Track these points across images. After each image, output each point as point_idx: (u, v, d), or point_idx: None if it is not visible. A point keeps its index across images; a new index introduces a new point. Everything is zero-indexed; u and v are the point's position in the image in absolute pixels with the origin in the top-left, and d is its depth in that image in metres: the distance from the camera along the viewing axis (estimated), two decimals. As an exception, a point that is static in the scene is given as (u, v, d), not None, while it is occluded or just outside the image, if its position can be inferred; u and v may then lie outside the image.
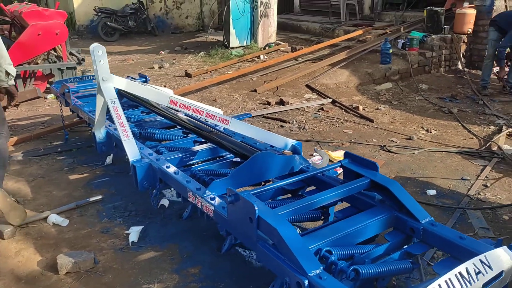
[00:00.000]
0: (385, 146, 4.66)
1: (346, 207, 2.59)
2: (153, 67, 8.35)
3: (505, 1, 7.79)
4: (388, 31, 8.72)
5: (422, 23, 8.39)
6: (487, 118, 5.72)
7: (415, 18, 9.19)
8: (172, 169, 2.78)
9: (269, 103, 6.10)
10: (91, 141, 4.65)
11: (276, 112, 5.77)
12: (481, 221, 3.23)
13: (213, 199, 2.40)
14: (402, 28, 8.63)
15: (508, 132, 5.05)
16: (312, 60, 8.01)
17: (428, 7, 8.19)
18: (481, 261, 1.75)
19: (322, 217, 2.61)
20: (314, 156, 4.23)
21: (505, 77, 6.83)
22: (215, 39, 10.46)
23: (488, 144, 4.70)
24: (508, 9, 7.70)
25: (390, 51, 7.37)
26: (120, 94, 3.70)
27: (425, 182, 3.87)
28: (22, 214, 3.15)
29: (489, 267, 1.75)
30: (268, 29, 9.40)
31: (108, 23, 11.73)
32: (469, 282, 1.68)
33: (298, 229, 2.80)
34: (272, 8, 9.29)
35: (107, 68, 3.00)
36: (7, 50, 3.08)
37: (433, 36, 7.81)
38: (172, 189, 3.52)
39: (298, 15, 12.32)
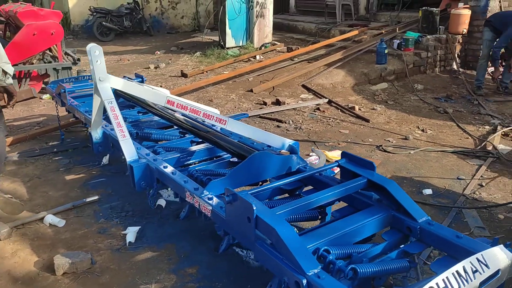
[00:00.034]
0: (381, 146, 4.68)
1: (344, 206, 2.60)
2: (149, 67, 8.33)
3: (500, 2, 7.84)
4: (383, 31, 8.75)
5: (417, 24, 8.43)
6: (482, 118, 5.76)
7: (410, 18, 9.24)
8: (169, 169, 2.78)
9: (265, 103, 6.10)
10: (87, 141, 4.64)
11: (273, 112, 5.78)
12: (476, 220, 3.25)
13: (211, 199, 2.41)
14: (397, 29, 8.66)
15: (503, 131, 5.09)
16: (308, 60, 8.02)
17: (423, 8, 8.23)
18: (478, 260, 1.77)
19: (320, 217, 2.62)
20: (311, 156, 4.24)
21: (500, 77, 6.88)
22: (211, 39, 10.45)
23: (483, 144, 4.73)
24: (503, 10, 7.75)
25: (386, 51, 7.40)
26: (116, 94, 3.69)
27: (421, 182, 3.89)
28: (19, 207, 3.16)
29: (486, 265, 1.76)
30: (264, 29, 9.41)
31: (103, 23, 11.68)
32: (466, 281, 1.69)
33: (296, 228, 2.80)
34: (268, 8, 9.30)
35: (104, 68, 3.00)
36: None
37: (428, 37, 7.85)
38: (169, 189, 3.51)
39: (293, 15, 12.34)
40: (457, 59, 8.02)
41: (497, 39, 6.60)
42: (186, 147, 3.35)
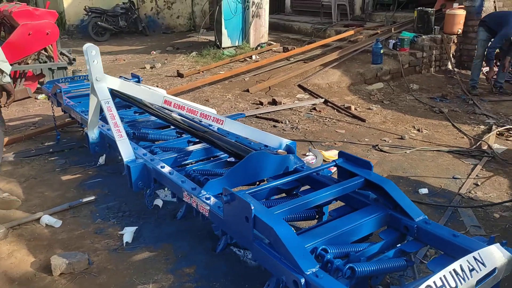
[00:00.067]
0: (377, 145, 4.70)
1: (341, 206, 2.61)
2: (145, 67, 8.31)
3: (494, 2, 7.89)
4: (379, 31, 8.78)
5: (412, 24, 8.46)
6: (477, 117, 5.79)
7: (405, 18, 9.27)
8: (166, 169, 2.78)
9: (261, 103, 6.11)
10: (83, 142, 4.64)
11: (269, 112, 5.79)
12: (472, 219, 3.27)
13: (208, 198, 2.41)
14: (393, 29, 8.69)
15: (498, 131, 5.12)
16: (304, 60, 8.03)
17: (419, 8, 8.27)
18: (475, 258, 1.78)
19: (317, 216, 2.62)
20: (308, 155, 4.25)
21: (494, 77, 6.92)
22: (207, 39, 10.45)
23: (478, 143, 4.76)
24: (497, 10, 7.80)
25: (381, 51, 7.42)
26: (113, 94, 3.68)
27: (417, 181, 3.91)
28: (15, 203, 3.20)
29: (483, 264, 1.78)
30: (260, 29, 9.42)
31: (99, 23, 11.64)
32: (463, 279, 1.70)
33: (293, 228, 2.81)
34: (264, 8, 9.30)
35: (101, 68, 2.99)
36: None
37: (423, 37, 7.89)
38: (166, 189, 3.52)
39: (289, 15, 12.35)
40: (452, 59, 8.07)
41: (492, 39, 6.64)
42: (183, 147, 3.35)
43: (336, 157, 2.70)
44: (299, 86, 6.93)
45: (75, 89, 4.57)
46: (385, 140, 4.90)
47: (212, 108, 3.73)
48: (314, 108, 6.00)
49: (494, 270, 1.82)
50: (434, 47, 7.89)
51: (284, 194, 2.80)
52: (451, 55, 8.04)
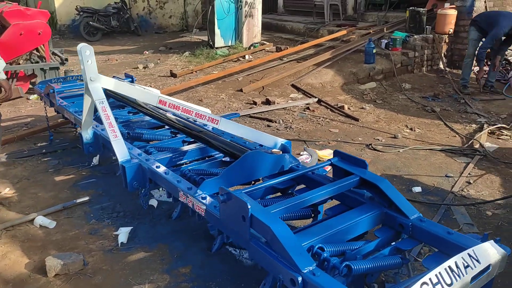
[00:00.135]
0: (370, 144, 4.72)
1: (336, 204, 2.63)
2: (138, 67, 8.28)
3: (485, 2, 7.97)
4: (371, 31, 8.82)
5: (404, 24, 8.51)
6: (469, 116, 5.85)
7: (397, 18, 9.32)
8: (162, 169, 2.77)
9: (255, 103, 6.12)
10: (76, 142, 4.62)
11: (263, 111, 5.79)
12: (465, 217, 3.31)
13: (204, 198, 2.41)
14: (385, 28, 8.74)
15: (489, 130, 5.18)
16: (297, 60, 8.05)
17: (410, 8, 8.32)
18: (470, 255, 1.80)
19: (313, 215, 2.64)
20: (302, 155, 4.26)
21: (485, 76, 6.99)
22: (200, 39, 10.43)
23: (470, 142, 4.81)
24: (488, 10, 7.88)
25: (374, 51, 7.46)
26: (106, 94, 3.67)
27: (410, 180, 3.94)
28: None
29: (477, 261, 1.80)
30: (253, 29, 9.42)
31: (90, 22, 11.57)
32: (459, 276, 1.72)
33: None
34: (256, 8, 9.31)
35: (95, 68, 2.98)
36: None
37: (415, 36, 7.94)
38: (161, 189, 3.52)
39: (282, 15, 12.37)
40: (444, 58, 8.13)
41: (483, 39, 6.70)
42: (178, 147, 3.35)
43: (330, 156, 2.71)
44: (293, 85, 6.95)
45: (68, 89, 4.55)
46: (379, 139, 4.93)
47: (206, 108, 3.73)
48: (308, 108, 6.01)
49: (488, 267, 1.84)
50: (426, 47, 7.94)
51: (279, 193, 2.81)
52: (442, 55, 8.10)
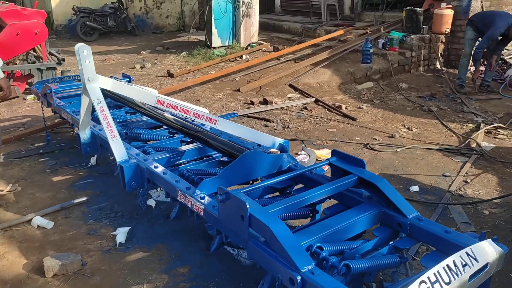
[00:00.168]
0: (368, 144, 4.74)
1: (334, 204, 2.63)
2: (135, 67, 8.26)
3: (481, 2, 8.00)
4: (368, 31, 8.84)
5: (401, 23, 8.54)
6: (466, 116, 5.87)
7: (394, 18, 9.35)
8: (160, 169, 2.77)
9: (252, 103, 6.12)
10: (74, 142, 4.61)
11: (260, 111, 5.80)
12: (462, 216, 3.32)
13: (203, 198, 2.41)
14: (382, 28, 8.76)
15: (486, 129, 5.20)
16: (294, 60, 8.06)
17: (407, 8, 8.35)
18: (467, 254, 1.81)
19: (311, 215, 2.64)
20: (300, 154, 4.27)
21: (481, 75, 7.02)
22: (197, 38, 10.42)
23: (467, 141, 4.83)
24: (484, 9, 7.90)
25: (371, 50, 7.48)
26: (104, 94, 3.66)
27: (408, 179, 3.95)
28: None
29: (475, 259, 1.81)
30: (250, 29, 9.42)
31: (87, 22, 11.54)
32: (457, 274, 1.73)
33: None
34: (254, 8, 9.31)
35: (93, 68, 2.98)
36: None
37: (412, 36, 7.97)
38: (159, 189, 3.51)
39: (279, 15, 12.38)
40: (441, 58, 8.16)
41: (479, 39, 6.73)
42: (176, 146, 3.35)
43: (328, 156, 2.72)
44: (290, 85, 6.96)
45: (65, 90, 4.54)
46: (376, 139, 4.94)
47: (204, 108, 3.73)
48: (305, 108, 6.02)
49: (486, 265, 1.85)
50: (423, 47, 7.97)
51: (277, 193, 2.81)
52: (439, 55, 8.13)
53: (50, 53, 6.92)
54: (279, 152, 2.83)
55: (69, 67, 7.78)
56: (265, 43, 9.30)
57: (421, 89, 7.18)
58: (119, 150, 2.89)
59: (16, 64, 6.31)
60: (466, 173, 4.06)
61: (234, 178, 2.59)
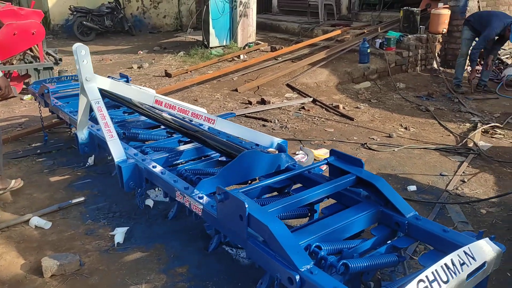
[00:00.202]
0: (365, 143, 4.75)
1: (333, 203, 2.64)
2: (132, 67, 8.25)
3: (478, 2, 8.03)
4: (365, 31, 8.86)
5: (398, 23, 8.56)
6: (463, 115, 5.89)
7: (391, 18, 9.37)
8: (158, 168, 2.77)
9: (250, 103, 6.12)
10: (71, 142, 4.60)
11: (258, 111, 5.80)
12: (460, 215, 3.33)
13: (201, 198, 2.41)
14: (379, 28, 8.78)
15: (483, 129, 5.22)
16: (292, 60, 8.07)
17: (404, 8, 8.37)
18: (465, 253, 1.82)
19: (309, 214, 2.65)
20: (298, 154, 4.28)
21: (478, 75, 7.04)
22: (194, 38, 10.42)
23: (464, 141, 4.84)
24: (481, 9, 7.93)
25: (368, 50, 7.49)
26: (101, 94, 3.66)
27: (405, 178, 3.96)
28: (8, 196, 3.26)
29: (473, 258, 1.82)
30: (248, 29, 9.42)
31: (84, 22, 11.51)
32: (455, 273, 1.74)
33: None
34: (251, 8, 9.31)
35: (91, 68, 2.97)
36: None
37: (409, 36, 7.99)
38: (157, 189, 3.51)
39: (276, 15, 12.39)
40: (437, 58, 8.18)
41: (476, 38, 6.75)
42: (174, 146, 3.34)
43: (326, 156, 2.72)
44: (288, 85, 6.96)
45: (62, 90, 4.52)
46: (374, 139, 4.96)
47: (202, 108, 3.73)
48: (303, 107, 6.03)
49: (484, 264, 1.86)
50: (420, 46, 7.99)
51: (276, 193, 2.81)
52: (436, 54, 8.15)
53: (47, 53, 6.91)
54: (277, 152, 2.83)
55: (66, 67, 7.77)
56: (262, 43, 9.31)
57: (418, 88, 7.20)
58: (117, 150, 2.89)
59: (13, 64, 6.29)
60: (463, 172, 4.08)
61: (232, 178, 2.59)
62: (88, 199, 3.53)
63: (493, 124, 5.37)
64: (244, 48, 9.21)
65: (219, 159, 3.16)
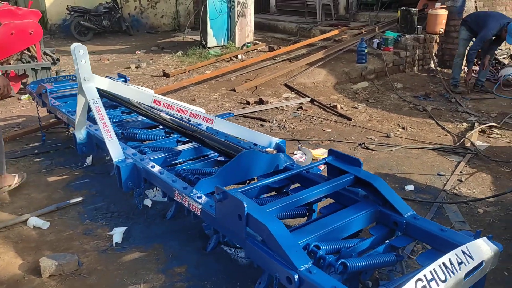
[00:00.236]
0: (363, 143, 4.76)
1: (331, 203, 2.64)
2: (130, 67, 8.24)
3: (475, 2, 8.06)
4: (363, 31, 8.87)
5: (396, 23, 8.59)
6: (460, 115, 5.91)
7: (389, 18, 9.39)
8: (157, 168, 2.77)
9: (248, 103, 6.12)
10: (69, 142, 4.59)
11: (256, 111, 5.81)
12: (457, 214, 3.35)
13: (200, 197, 2.41)
14: (377, 28, 8.80)
15: (480, 128, 5.24)
16: (289, 60, 8.08)
17: (402, 8, 8.39)
18: (463, 252, 1.82)
19: (307, 214, 2.65)
20: (296, 154, 4.28)
21: (475, 75, 7.07)
22: (192, 38, 10.41)
23: (461, 141, 4.86)
24: (478, 10, 7.96)
25: (366, 50, 7.51)
26: (99, 94, 3.66)
27: (403, 178, 3.97)
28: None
29: (471, 257, 1.82)
30: (246, 29, 9.43)
31: (81, 22, 11.50)
32: (452, 272, 1.74)
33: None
34: (249, 7, 9.31)
35: (89, 67, 2.97)
36: None
37: (406, 36, 8.01)
38: (155, 189, 3.51)
39: (274, 15, 12.39)
40: (435, 58, 8.21)
41: (473, 39, 6.78)
42: (173, 146, 3.34)
43: (324, 155, 2.73)
44: (286, 85, 6.97)
45: (60, 89, 4.52)
46: (371, 138, 4.97)
47: (200, 108, 3.73)
48: (301, 107, 6.04)
49: (481, 263, 1.87)
50: (417, 47, 8.02)
51: (274, 193, 2.82)
52: (433, 54, 8.18)
53: (45, 53, 6.90)
54: (275, 152, 2.83)
55: (63, 67, 7.76)
56: (260, 43, 9.31)
57: (415, 88, 7.22)
58: (115, 150, 2.88)
59: (10, 64, 6.28)
60: (460, 172, 4.09)
61: (231, 178, 2.59)
62: (86, 199, 3.53)
63: (490, 124, 5.39)
64: (242, 48, 9.21)
65: (218, 159, 3.17)
